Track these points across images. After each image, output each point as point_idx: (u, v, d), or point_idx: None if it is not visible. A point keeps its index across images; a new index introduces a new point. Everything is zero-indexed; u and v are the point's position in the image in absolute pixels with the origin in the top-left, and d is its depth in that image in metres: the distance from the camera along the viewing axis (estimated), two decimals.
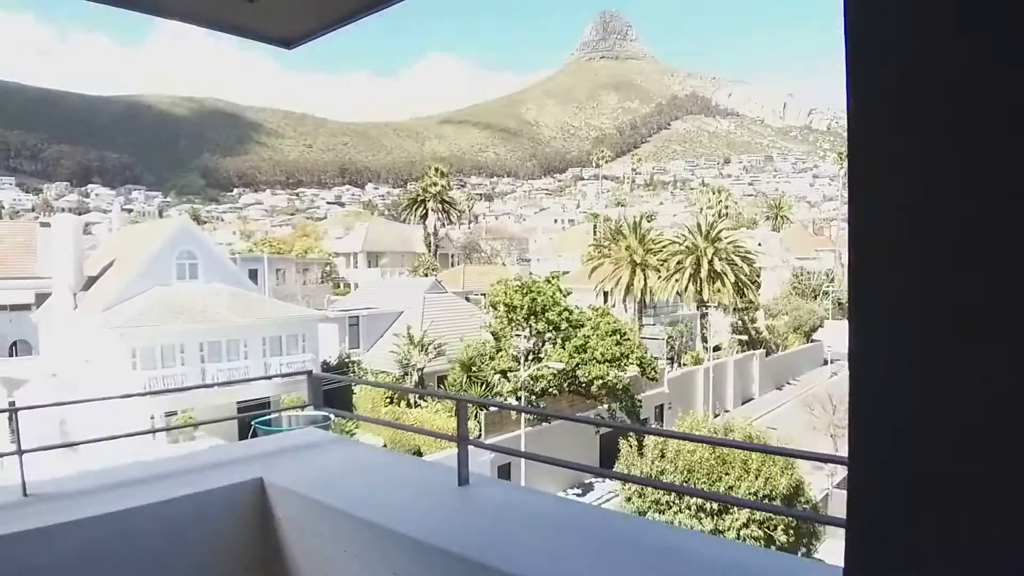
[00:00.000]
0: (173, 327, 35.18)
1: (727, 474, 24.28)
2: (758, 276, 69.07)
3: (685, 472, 24.49)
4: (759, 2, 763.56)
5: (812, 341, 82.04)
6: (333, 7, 3.46)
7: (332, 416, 7.82)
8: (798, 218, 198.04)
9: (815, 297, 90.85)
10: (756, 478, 24.15)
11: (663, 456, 25.13)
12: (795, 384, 70.47)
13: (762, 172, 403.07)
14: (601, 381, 37.07)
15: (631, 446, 27.84)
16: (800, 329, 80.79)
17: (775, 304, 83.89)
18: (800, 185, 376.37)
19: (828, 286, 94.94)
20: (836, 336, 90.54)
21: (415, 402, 38.72)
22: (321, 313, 45.02)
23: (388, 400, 38.61)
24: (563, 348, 37.09)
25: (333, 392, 39.11)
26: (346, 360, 43.55)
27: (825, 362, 78.58)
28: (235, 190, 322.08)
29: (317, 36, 3.68)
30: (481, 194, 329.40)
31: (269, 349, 38.26)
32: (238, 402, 35.56)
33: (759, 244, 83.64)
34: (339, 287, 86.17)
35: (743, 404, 60.65)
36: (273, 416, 32.23)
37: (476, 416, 35.41)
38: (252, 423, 27.35)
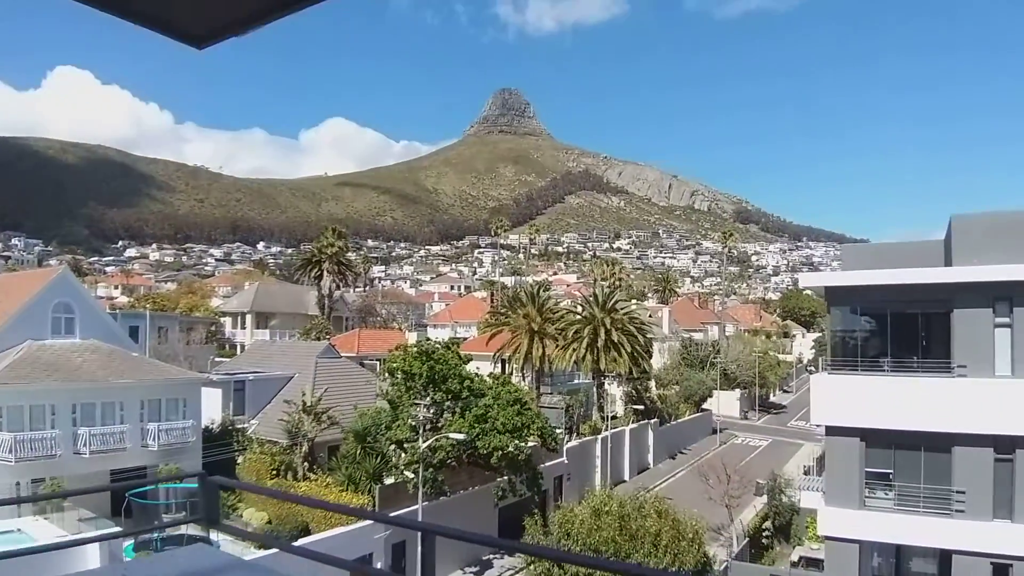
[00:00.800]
0: (44, 386, 32.04)
1: (635, 551, 23.43)
2: (650, 346, 69.83)
3: (592, 550, 23.47)
4: (647, 88, 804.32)
5: (702, 410, 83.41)
6: (248, 4, 2.84)
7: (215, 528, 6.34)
8: (683, 292, 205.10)
9: (703, 367, 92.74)
10: (665, 554, 23.43)
11: (568, 535, 24.06)
12: (687, 453, 71.02)
13: (649, 247, 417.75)
14: (501, 452, 35.78)
15: (536, 522, 26.57)
16: (691, 399, 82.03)
17: (666, 374, 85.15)
18: (684, 261, 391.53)
19: (715, 357, 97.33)
20: (724, 405, 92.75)
21: (304, 474, 36.25)
22: (204, 376, 42.12)
23: (274, 472, 36.02)
24: (463, 418, 35.69)
25: (214, 463, 36.30)
26: (230, 428, 40.68)
27: (714, 431, 79.84)
28: (120, 242, 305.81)
29: (229, 36, 3.02)
30: (377, 257, 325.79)
31: (147, 413, 35.23)
32: (112, 471, 32.57)
33: (649, 315, 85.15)
34: (225, 348, 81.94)
35: (639, 473, 60.39)
36: (149, 488, 29.45)
37: (369, 490, 33.40)
38: (127, 496, 24.56)
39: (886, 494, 21.97)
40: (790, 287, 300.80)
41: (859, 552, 22.18)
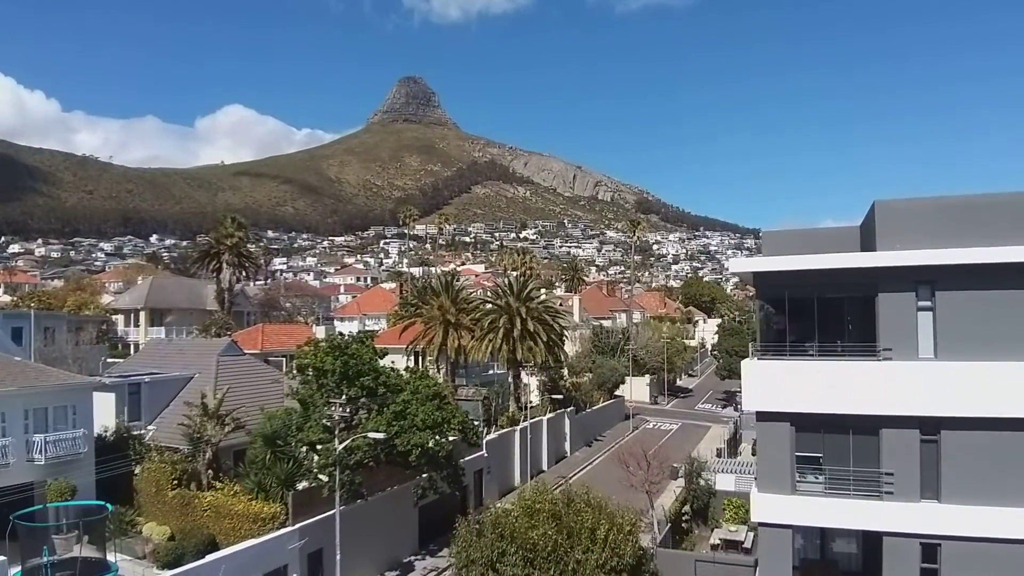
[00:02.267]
0: None
1: (573, 548, 22.57)
2: (564, 335, 69.55)
3: (529, 550, 22.45)
4: (552, 79, 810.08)
5: (615, 397, 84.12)
6: None
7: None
8: (590, 280, 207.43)
9: (614, 354, 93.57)
10: (603, 548, 22.67)
11: (503, 537, 22.97)
12: (602, 439, 71.35)
13: (555, 237, 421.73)
14: (421, 449, 34.40)
15: (468, 523, 25.34)
16: (604, 386, 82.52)
17: (578, 362, 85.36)
18: (589, 250, 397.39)
19: (626, 344, 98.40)
20: (636, 391, 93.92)
21: (209, 483, 33.83)
22: (96, 379, 38.66)
23: (176, 482, 33.47)
24: (380, 415, 34.10)
25: (110, 475, 33.50)
26: (125, 435, 37.64)
27: (627, 416, 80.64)
28: (2, 238, 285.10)
29: None
30: (278, 249, 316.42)
31: (33, 423, 31.90)
32: None
33: (560, 304, 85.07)
34: (118, 348, 77.06)
35: (557, 462, 60.10)
36: (37, 509, 26.62)
37: (281, 497, 31.41)
38: (11, 518, 21.91)
39: (816, 478, 21.89)
40: (690, 274, 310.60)
41: (792, 537, 22.07)
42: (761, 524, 22.43)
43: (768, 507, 21.99)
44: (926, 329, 21.21)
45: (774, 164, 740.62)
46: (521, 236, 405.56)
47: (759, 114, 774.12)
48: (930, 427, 20.82)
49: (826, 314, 22.66)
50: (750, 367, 22.79)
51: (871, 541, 22.03)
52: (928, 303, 21.17)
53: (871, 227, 22.53)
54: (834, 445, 21.90)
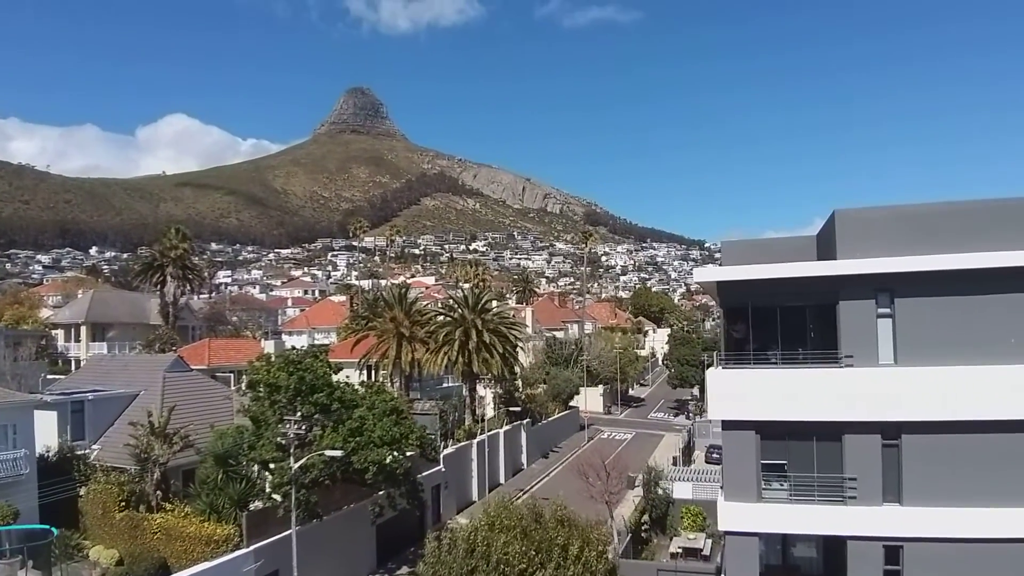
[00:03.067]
0: None
1: (544, 565, 22.11)
2: (518, 347, 69.27)
3: (501, 567, 21.89)
4: (501, 92, 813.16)
5: (569, 407, 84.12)
6: None
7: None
8: (541, 292, 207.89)
9: (568, 365, 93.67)
10: (576, 565, 22.26)
11: (473, 552, 22.40)
12: (559, 450, 71.19)
13: (505, 249, 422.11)
14: (378, 466, 33.64)
15: (439, 541, 24.60)
16: (559, 397, 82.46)
17: (532, 373, 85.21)
18: (539, 262, 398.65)
19: (579, 355, 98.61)
20: (590, 401, 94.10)
21: (158, 504, 32.52)
22: (36, 397, 37.10)
23: (123, 504, 32.09)
24: (336, 432, 33.25)
25: (54, 497, 32.01)
26: (69, 455, 36.05)
27: (582, 427, 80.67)
28: None
29: None
30: (222, 261, 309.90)
31: None
32: None
33: (513, 315, 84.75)
34: (58, 364, 74.23)
35: (514, 475, 59.66)
36: None
37: (235, 518, 30.34)
38: None
39: (781, 485, 21.97)
40: (638, 285, 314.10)
41: (762, 545, 22.07)
42: (728, 532, 22.39)
43: (735, 515, 21.97)
44: (886, 336, 21.51)
45: (717, 177, 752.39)
46: (471, 248, 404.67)
47: (702, 129, 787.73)
48: (891, 432, 21.08)
49: (788, 322, 22.85)
50: (715, 376, 22.83)
51: (831, 545, 22.19)
52: (887, 310, 21.47)
53: (831, 236, 22.79)
54: (798, 452, 22.02)
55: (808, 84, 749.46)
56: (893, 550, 20.87)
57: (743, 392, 22.12)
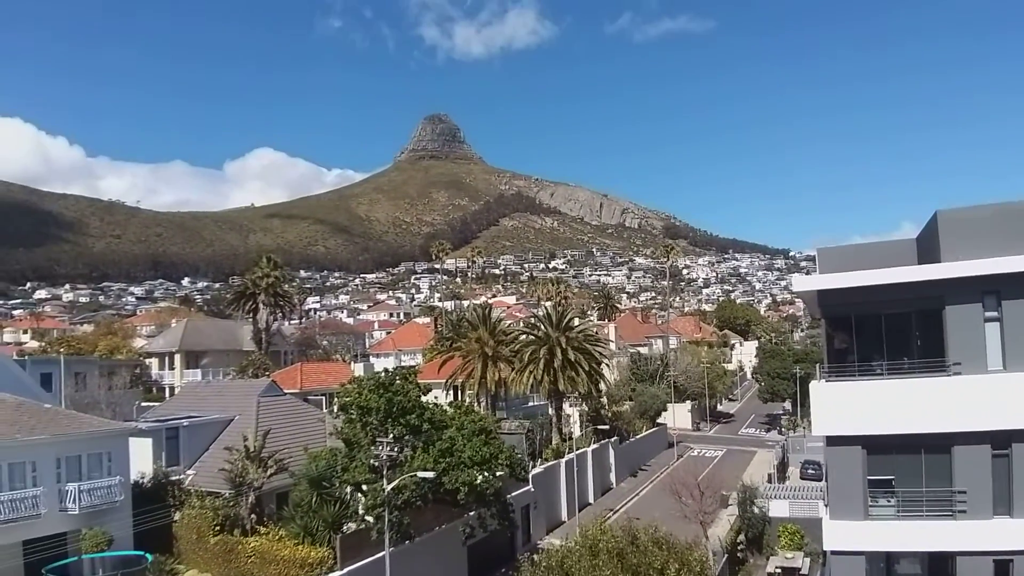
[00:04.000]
0: None
1: None
2: (604, 363, 68.56)
3: None
4: (575, 110, 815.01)
5: (657, 425, 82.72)
6: None
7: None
8: (622, 307, 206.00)
9: (653, 381, 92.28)
10: None
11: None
12: (647, 469, 69.97)
13: (584, 266, 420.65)
14: (469, 487, 33.66)
15: (534, 564, 24.10)
16: (646, 413, 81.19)
17: (618, 390, 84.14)
18: (619, 277, 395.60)
19: (665, 370, 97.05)
20: (678, 418, 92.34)
21: (252, 528, 33.24)
22: (131, 424, 38.14)
23: (218, 528, 32.87)
24: (427, 453, 33.47)
25: (149, 524, 32.91)
26: (163, 481, 37.01)
27: (670, 444, 79.15)
28: (28, 284, 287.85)
29: None
30: (311, 288, 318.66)
31: (66, 472, 31.13)
32: (24, 541, 28.80)
33: (596, 332, 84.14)
34: (152, 392, 77.23)
35: (603, 494, 58.92)
36: (71, 561, 26.02)
37: (328, 541, 30.74)
38: (44, 571, 21.30)
39: (889, 501, 20.93)
40: (721, 297, 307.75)
41: (866, 563, 21.01)
42: (834, 552, 21.40)
43: (841, 534, 21.03)
44: (994, 340, 20.42)
45: (793, 182, 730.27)
46: (550, 266, 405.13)
47: (777, 133, 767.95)
48: (1001, 441, 19.92)
49: (892, 330, 21.95)
50: (818, 389, 21.97)
51: (937, 561, 20.97)
52: (995, 313, 20.36)
53: (933, 238, 21.79)
54: (906, 466, 20.97)
55: (880, 86, 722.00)
56: (1003, 564, 19.70)
57: (848, 405, 21.22)
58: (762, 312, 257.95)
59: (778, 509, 46.92)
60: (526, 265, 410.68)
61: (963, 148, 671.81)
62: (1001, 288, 20.10)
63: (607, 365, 72.90)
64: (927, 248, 22.79)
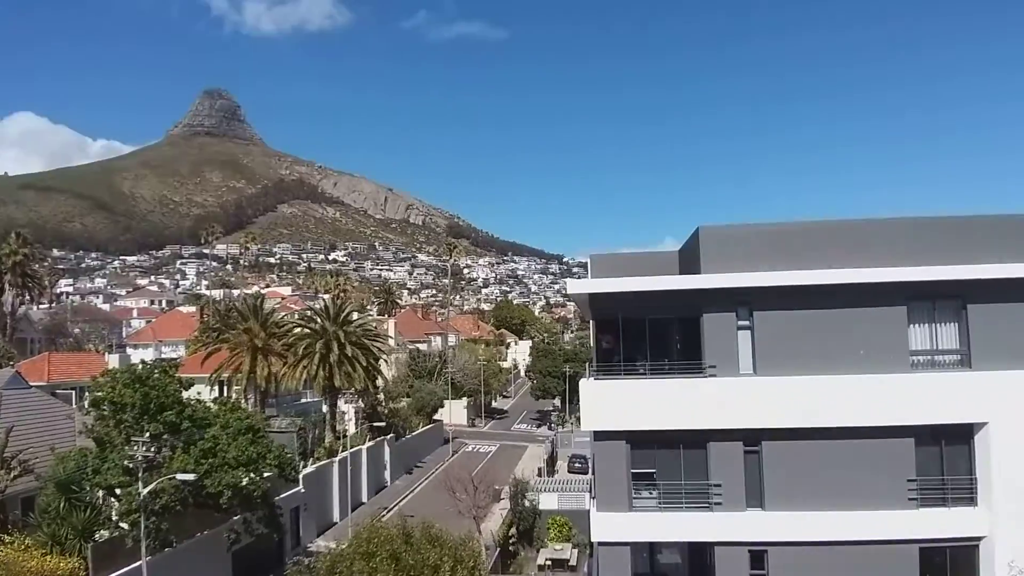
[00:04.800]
0: None
1: None
2: (382, 359, 67.93)
3: None
4: (364, 100, 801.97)
5: (433, 421, 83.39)
6: None
7: None
8: (402, 303, 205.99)
9: (431, 378, 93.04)
10: None
11: None
12: (423, 465, 70.25)
13: (366, 260, 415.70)
14: (234, 489, 31.68)
15: (301, 570, 23.02)
16: (423, 410, 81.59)
17: (396, 387, 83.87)
18: (401, 273, 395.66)
19: (443, 367, 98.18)
20: (454, 414, 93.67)
21: None
22: None
23: None
24: (187, 453, 31.07)
25: None
26: None
27: (446, 440, 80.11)
28: None
29: None
30: (64, 269, 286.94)
31: None
32: None
33: (376, 327, 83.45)
34: None
35: (377, 493, 58.23)
36: None
37: (79, 550, 27.64)
38: None
39: (651, 493, 22.33)
40: (499, 298, 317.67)
41: (630, 553, 22.29)
42: (600, 543, 22.49)
43: (607, 526, 22.09)
44: (745, 347, 22.34)
45: (573, 195, 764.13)
46: (331, 258, 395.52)
47: (558, 144, 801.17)
48: (752, 439, 21.87)
49: (656, 334, 23.36)
50: (587, 387, 22.96)
51: (697, 551, 22.72)
52: (747, 322, 22.32)
53: (694, 251, 23.48)
54: (666, 460, 22.45)
55: (649, 93, 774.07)
56: (758, 554, 21.59)
57: (613, 402, 22.33)
58: (537, 313, 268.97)
59: (548, 502, 48.92)
60: (305, 255, 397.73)
61: (724, 163, 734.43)
62: (753, 300, 22.10)
63: (385, 361, 72.39)
64: (689, 260, 24.63)
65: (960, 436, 22.10)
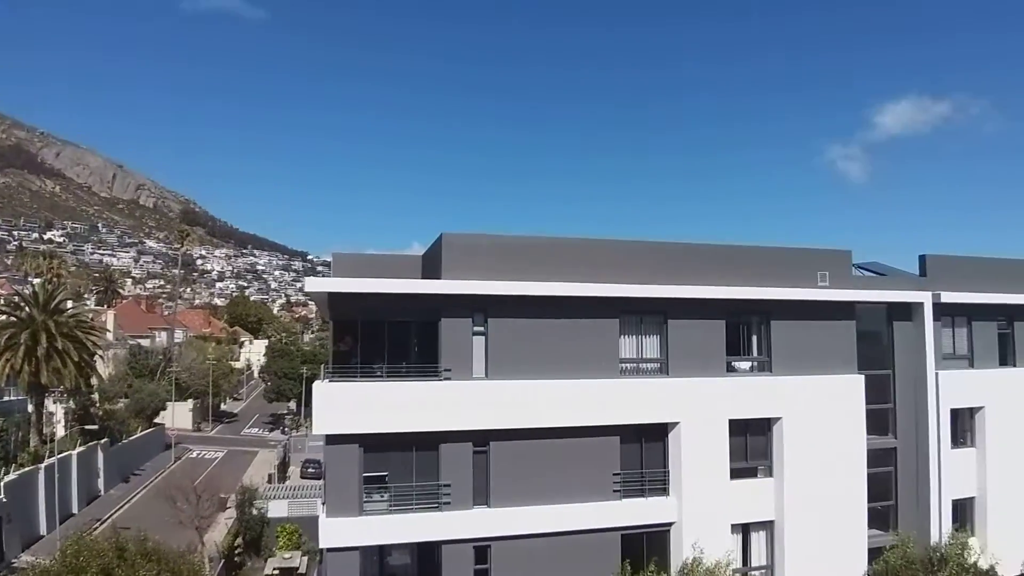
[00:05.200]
0: None
1: None
2: (96, 355, 62.04)
3: None
4: (96, 61, 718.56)
5: (154, 425, 77.64)
6: None
7: None
8: (126, 293, 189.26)
9: (154, 377, 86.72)
10: None
11: None
12: (141, 473, 65.03)
13: (87, 242, 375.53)
14: None
15: None
16: (142, 413, 75.70)
17: (112, 386, 77.02)
18: (126, 260, 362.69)
19: (167, 366, 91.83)
20: (178, 417, 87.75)
21: None
22: None
23: None
24: None
25: None
26: None
27: (168, 446, 74.88)
28: None
29: None
30: None
31: None
32: None
33: (93, 319, 76.24)
34: None
35: (89, 503, 52.99)
36: None
37: None
38: None
39: (382, 496, 22.63)
40: (236, 293, 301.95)
41: (360, 557, 22.42)
42: (329, 549, 22.39)
43: (337, 531, 22.03)
44: (479, 351, 23.52)
45: (322, 191, 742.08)
46: (46, 237, 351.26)
47: (313, 133, 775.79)
48: (481, 440, 23.09)
49: (395, 337, 23.73)
50: (320, 390, 22.77)
51: (426, 551, 23.39)
52: (482, 328, 23.52)
53: (436, 257, 24.22)
54: (399, 463, 22.88)
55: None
56: (482, 550, 22.77)
57: (348, 405, 22.32)
58: (276, 312, 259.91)
59: (277, 509, 47.72)
60: (16, 232, 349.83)
61: (469, 178, 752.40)
62: (488, 307, 23.32)
63: (102, 357, 66.23)
64: (431, 265, 25.35)
65: (657, 434, 25.13)
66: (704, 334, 25.62)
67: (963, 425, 29.98)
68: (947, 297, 28.69)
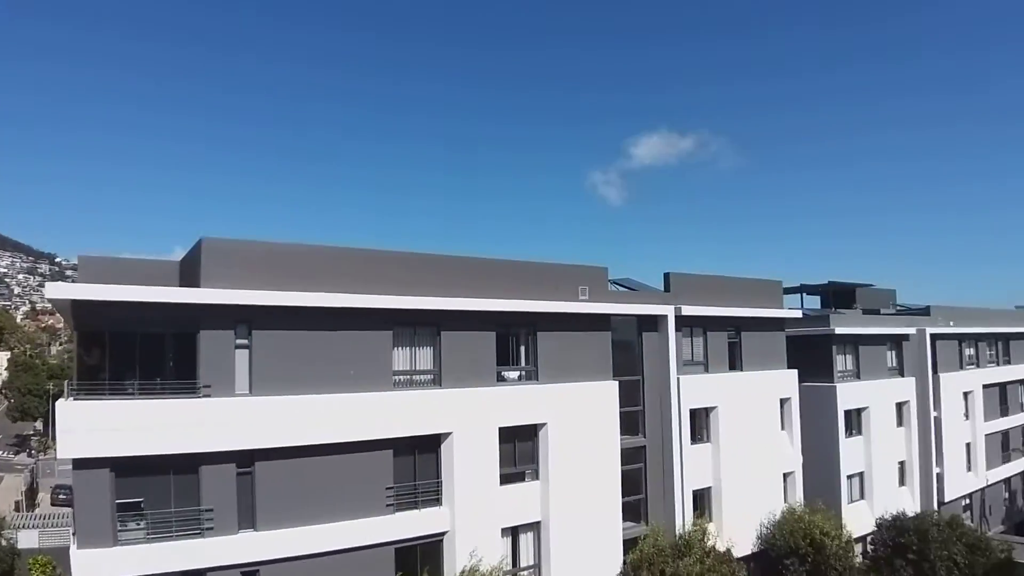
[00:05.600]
0: None
1: None
2: None
3: None
4: None
5: None
6: None
7: None
8: None
9: None
10: None
11: None
12: None
13: None
14: None
15: None
16: None
17: None
18: None
19: None
20: None
21: None
22: None
23: None
24: None
25: None
26: None
27: None
28: None
29: None
30: None
31: None
32: None
33: None
34: None
35: None
36: None
37: None
38: None
39: (138, 524, 20.86)
40: None
41: None
42: None
43: (89, 564, 20.02)
44: (243, 366, 22.35)
45: (72, 190, 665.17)
46: None
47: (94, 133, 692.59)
48: (245, 460, 21.99)
49: (148, 350, 21.96)
50: (64, 409, 20.61)
51: None
52: (246, 341, 22.38)
53: (195, 263, 22.63)
54: (156, 487, 21.26)
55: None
56: (250, 574, 21.74)
57: (96, 425, 20.37)
58: (19, 320, 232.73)
59: (28, 540, 43.96)
60: None
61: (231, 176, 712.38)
62: (253, 318, 22.17)
63: None
64: (189, 272, 23.65)
65: (431, 445, 25.41)
66: (476, 345, 26.34)
67: (700, 423, 33.58)
68: (687, 310, 32.14)
